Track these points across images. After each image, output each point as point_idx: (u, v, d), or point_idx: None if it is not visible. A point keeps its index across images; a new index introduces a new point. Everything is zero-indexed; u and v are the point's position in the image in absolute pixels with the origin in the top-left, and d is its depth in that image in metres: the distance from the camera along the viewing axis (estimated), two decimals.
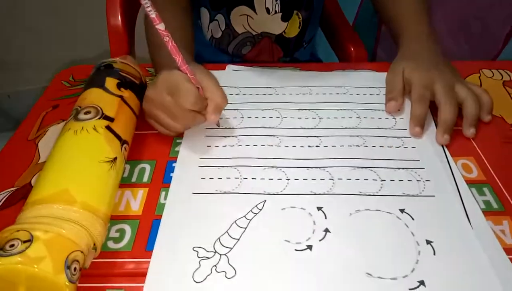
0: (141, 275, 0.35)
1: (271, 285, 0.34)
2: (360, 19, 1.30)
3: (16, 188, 0.43)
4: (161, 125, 0.47)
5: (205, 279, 0.34)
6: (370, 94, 0.56)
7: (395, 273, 0.35)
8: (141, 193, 0.43)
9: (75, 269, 0.31)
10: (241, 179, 0.43)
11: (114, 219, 0.40)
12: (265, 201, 0.41)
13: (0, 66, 1.48)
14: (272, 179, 0.43)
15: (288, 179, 0.43)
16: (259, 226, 0.38)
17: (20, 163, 0.46)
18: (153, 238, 0.38)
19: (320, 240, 0.37)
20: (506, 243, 0.37)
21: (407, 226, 0.39)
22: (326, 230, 0.38)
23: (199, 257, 0.36)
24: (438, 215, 0.40)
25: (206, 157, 0.46)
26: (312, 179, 0.43)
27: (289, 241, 0.37)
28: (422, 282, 0.34)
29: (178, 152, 0.47)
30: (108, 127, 0.41)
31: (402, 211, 0.40)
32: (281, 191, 0.42)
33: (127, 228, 0.39)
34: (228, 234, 0.38)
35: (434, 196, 0.42)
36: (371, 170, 0.44)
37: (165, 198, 0.42)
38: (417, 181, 0.43)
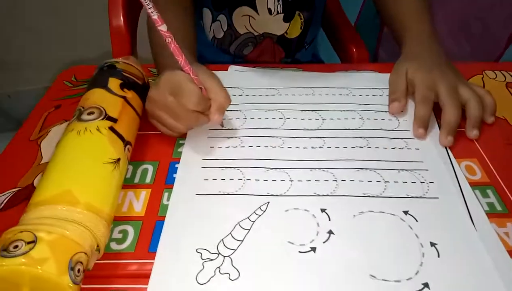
0: (144, 277, 0.35)
1: (275, 287, 0.34)
2: (362, 19, 1.30)
3: (18, 188, 0.43)
4: (164, 125, 0.47)
5: (208, 280, 0.34)
6: (373, 95, 0.56)
7: (399, 275, 0.35)
8: (144, 194, 0.42)
9: (78, 270, 0.31)
10: (244, 180, 0.43)
11: (117, 220, 0.39)
12: (268, 202, 0.41)
13: (0, 66, 1.48)
14: (275, 180, 0.43)
15: (291, 181, 0.43)
16: (263, 228, 0.38)
17: (22, 163, 0.46)
18: (156, 239, 0.38)
19: (324, 242, 0.37)
20: (510, 246, 0.37)
21: (411, 228, 0.38)
22: (330, 232, 0.38)
23: (202, 259, 0.36)
24: (442, 217, 0.40)
25: (209, 158, 0.46)
26: (316, 181, 0.43)
27: (292, 243, 0.37)
28: (426, 285, 0.34)
29: (181, 152, 0.47)
30: (112, 128, 0.41)
31: (406, 212, 0.40)
32: (284, 193, 0.42)
33: (130, 229, 0.39)
34: (232, 236, 0.37)
35: (437, 197, 0.42)
36: (375, 172, 0.44)
37: (168, 199, 0.42)
38: (421, 182, 0.43)
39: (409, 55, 0.56)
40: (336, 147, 0.47)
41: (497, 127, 0.51)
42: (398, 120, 0.51)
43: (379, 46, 1.35)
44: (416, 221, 0.39)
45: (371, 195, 0.42)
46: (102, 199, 0.36)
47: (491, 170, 0.45)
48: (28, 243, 0.30)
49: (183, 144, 0.48)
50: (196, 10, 0.71)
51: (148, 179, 0.44)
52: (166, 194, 0.42)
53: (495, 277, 0.35)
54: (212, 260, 0.36)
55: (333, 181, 0.43)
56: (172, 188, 0.43)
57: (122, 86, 0.46)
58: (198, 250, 0.36)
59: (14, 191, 0.42)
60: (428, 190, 0.42)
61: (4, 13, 1.38)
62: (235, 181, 0.43)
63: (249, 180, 0.43)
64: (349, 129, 0.50)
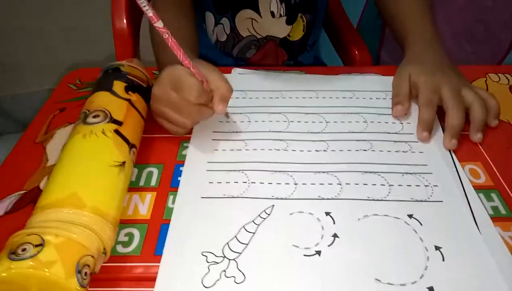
0: (150, 280, 0.35)
1: (280, 290, 0.34)
2: (364, 21, 1.30)
3: (24, 191, 0.43)
4: (170, 122, 0.47)
5: (214, 284, 0.34)
6: (377, 98, 0.56)
7: (404, 279, 0.35)
8: (149, 197, 0.43)
9: (85, 273, 0.31)
10: (249, 183, 0.43)
11: (123, 223, 0.40)
12: (273, 205, 0.41)
13: (3, 69, 1.48)
14: (280, 184, 0.43)
15: (296, 184, 0.43)
16: (268, 231, 0.39)
17: (28, 166, 0.46)
18: (161, 242, 0.38)
19: (328, 245, 0.37)
20: None
21: (415, 232, 0.39)
22: (335, 235, 0.38)
23: (208, 262, 0.36)
24: (446, 220, 0.40)
25: (214, 161, 0.46)
26: (320, 184, 0.43)
27: (297, 246, 0.37)
28: (431, 288, 0.34)
29: (185, 155, 0.47)
30: (117, 131, 0.41)
31: (410, 216, 0.40)
32: (289, 196, 0.42)
33: (136, 232, 0.39)
34: (237, 239, 0.38)
35: (442, 201, 0.42)
36: (379, 175, 0.44)
37: (173, 202, 0.42)
38: (425, 186, 0.43)
39: (412, 59, 0.56)
40: (340, 150, 0.48)
41: (501, 130, 0.51)
42: (401, 123, 0.52)
43: (381, 48, 1.36)
44: (421, 224, 0.39)
45: (375, 199, 0.42)
46: (108, 202, 0.36)
47: (495, 173, 0.45)
48: (36, 246, 0.30)
49: (187, 147, 0.48)
50: (199, 14, 0.72)
51: (153, 182, 0.44)
52: (171, 197, 0.43)
53: (499, 281, 0.35)
54: (217, 263, 0.36)
55: (338, 184, 0.43)
56: (177, 191, 0.43)
57: (126, 89, 0.46)
58: (204, 253, 0.36)
59: (20, 194, 0.43)
60: (432, 193, 0.42)
61: (7, 15, 1.38)
62: (240, 184, 0.43)
63: (254, 183, 0.43)
64: (353, 132, 0.50)
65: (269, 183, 0.43)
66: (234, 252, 0.37)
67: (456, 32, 1.23)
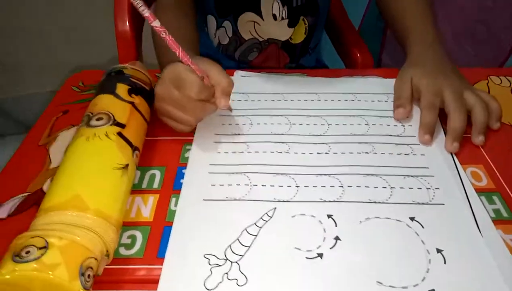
0: (153, 282, 0.35)
1: None
2: (365, 24, 1.30)
3: (28, 193, 0.43)
4: (174, 120, 0.48)
5: (216, 286, 0.34)
6: (378, 101, 0.56)
7: (406, 282, 0.35)
8: (152, 199, 0.43)
9: (89, 276, 0.32)
10: (251, 185, 0.43)
11: (126, 225, 0.40)
12: (275, 208, 0.41)
13: (4, 70, 1.49)
14: (281, 186, 0.43)
15: (297, 186, 0.43)
16: (270, 234, 0.39)
17: (31, 168, 0.46)
18: (164, 244, 0.38)
19: (330, 248, 0.37)
20: None
21: (417, 234, 0.39)
22: (337, 238, 0.38)
23: (210, 265, 0.36)
24: (448, 223, 0.40)
25: (216, 163, 0.46)
26: (322, 186, 0.43)
27: (299, 249, 0.37)
28: None
29: (187, 158, 0.47)
30: (120, 134, 0.41)
31: (412, 219, 0.40)
32: (291, 198, 0.42)
33: (138, 235, 0.39)
34: (239, 241, 0.38)
35: (443, 204, 0.42)
36: (381, 178, 0.44)
37: (175, 205, 0.42)
38: (427, 188, 0.43)
39: (414, 61, 0.56)
40: (342, 153, 0.48)
41: (503, 133, 0.51)
42: (403, 126, 0.52)
43: (383, 50, 1.36)
44: (422, 227, 0.39)
45: (377, 201, 0.42)
46: (111, 204, 0.37)
47: (497, 176, 0.45)
48: (40, 248, 0.30)
49: (190, 149, 0.48)
50: (201, 17, 0.72)
51: (155, 184, 0.44)
52: (173, 199, 0.43)
53: (501, 284, 0.35)
54: (220, 265, 0.36)
55: (339, 186, 0.43)
56: (179, 193, 0.43)
57: (130, 92, 0.46)
58: (206, 256, 0.37)
59: (24, 196, 0.43)
60: (434, 196, 0.42)
61: (8, 16, 1.39)
62: (242, 186, 0.43)
63: (256, 185, 0.43)
64: (354, 135, 0.50)
65: (271, 186, 0.43)
66: (237, 254, 0.37)
67: (457, 33, 1.23)
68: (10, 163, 0.47)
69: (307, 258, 0.37)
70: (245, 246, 0.37)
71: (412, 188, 0.43)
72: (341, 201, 0.42)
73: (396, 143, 0.49)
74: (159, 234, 0.39)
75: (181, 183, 0.44)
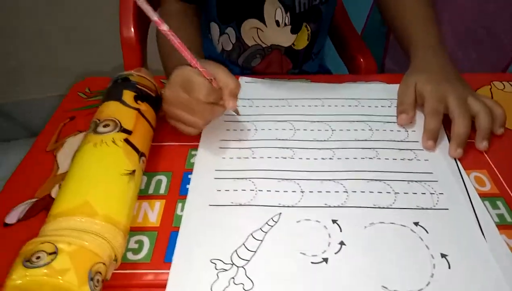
0: (160, 287, 0.36)
1: None
2: (368, 28, 1.31)
3: (36, 199, 0.44)
4: (183, 123, 0.48)
5: None
6: (382, 106, 0.56)
7: (410, 287, 0.35)
8: (158, 205, 0.43)
9: (98, 281, 0.32)
10: (256, 191, 0.44)
11: (133, 230, 0.40)
12: (280, 213, 0.41)
13: (10, 75, 1.50)
14: (286, 191, 0.44)
15: (302, 192, 0.44)
16: (275, 239, 0.39)
17: (39, 174, 0.47)
18: (171, 249, 0.39)
19: (335, 253, 0.38)
20: None
21: (421, 239, 0.39)
22: (342, 243, 0.39)
23: (217, 269, 0.36)
24: (452, 228, 0.40)
25: (222, 169, 0.47)
26: (327, 192, 0.44)
27: (305, 254, 0.38)
28: None
29: (193, 163, 0.48)
30: (127, 140, 0.42)
31: (416, 224, 0.40)
32: (296, 204, 0.42)
33: (146, 240, 0.40)
34: (245, 246, 0.38)
35: (447, 209, 0.42)
36: (385, 183, 0.45)
37: (182, 210, 0.42)
38: (431, 194, 0.44)
39: (418, 67, 0.56)
40: (346, 158, 0.48)
41: (507, 138, 0.51)
42: (407, 131, 0.52)
43: (386, 55, 1.36)
44: (427, 232, 0.40)
45: (381, 206, 0.42)
46: (119, 210, 0.37)
47: (501, 181, 0.45)
48: (50, 254, 0.31)
49: (195, 155, 0.49)
50: (204, 23, 0.73)
51: (162, 190, 0.45)
52: (180, 205, 0.43)
53: (505, 288, 0.35)
54: (226, 270, 0.36)
55: (344, 192, 0.44)
56: (185, 199, 0.44)
57: (136, 99, 0.47)
58: (213, 261, 0.37)
59: (32, 202, 0.43)
60: (438, 201, 0.43)
61: (16, 23, 1.40)
62: (247, 191, 0.44)
63: (261, 190, 0.44)
64: (358, 140, 0.51)
65: (276, 191, 0.44)
66: (243, 259, 0.37)
67: (460, 37, 1.24)
68: (19, 169, 0.48)
69: (312, 262, 0.37)
70: (251, 251, 0.38)
71: (416, 193, 0.44)
72: (346, 206, 0.42)
73: (399, 149, 0.49)
74: (166, 238, 0.40)
75: (187, 188, 0.45)
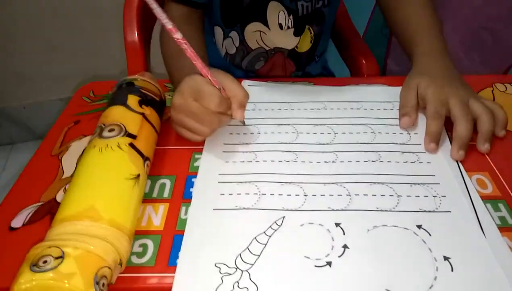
0: (164, 290, 0.36)
1: None
2: (370, 30, 1.31)
3: (41, 203, 0.44)
4: (189, 130, 0.49)
5: None
6: (384, 109, 0.57)
7: (413, 289, 0.35)
8: (162, 208, 0.44)
9: (103, 284, 0.33)
10: (259, 195, 0.44)
11: (137, 234, 0.41)
12: (284, 217, 0.42)
13: (15, 79, 1.51)
14: (290, 195, 0.44)
15: (305, 195, 0.44)
16: (279, 242, 0.39)
17: (44, 178, 0.47)
18: (175, 253, 0.39)
19: (339, 256, 0.38)
20: None
21: (424, 242, 0.39)
22: (345, 246, 0.39)
23: (221, 273, 0.37)
24: (455, 231, 0.40)
25: (225, 173, 0.47)
26: (330, 195, 0.44)
27: (308, 257, 0.38)
28: None
29: (197, 167, 0.48)
30: (132, 145, 0.42)
31: (419, 227, 0.41)
32: (299, 207, 0.43)
33: (150, 243, 0.40)
34: (249, 250, 0.38)
35: (450, 211, 0.42)
36: (388, 186, 0.45)
37: (186, 213, 0.43)
38: (433, 196, 0.44)
39: (420, 70, 0.57)
40: (348, 161, 0.48)
41: (508, 140, 0.51)
42: (409, 134, 0.52)
43: (388, 56, 1.36)
44: (429, 235, 0.40)
45: (384, 209, 0.42)
46: (124, 214, 0.38)
47: (503, 183, 0.45)
48: (56, 258, 0.31)
49: (199, 158, 0.49)
50: (207, 27, 0.73)
51: (166, 193, 0.45)
52: (183, 208, 0.44)
53: (508, 290, 0.35)
54: (230, 274, 0.37)
55: (347, 195, 0.44)
56: (189, 202, 0.44)
57: (140, 103, 0.47)
58: (217, 265, 0.37)
59: (37, 206, 0.44)
60: (440, 203, 0.43)
61: (19, 26, 1.41)
62: (251, 195, 0.44)
63: (264, 194, 0.44)
64: (361, 143, 0.51)
65: (279, 194, 0.44)
66: (247, 263, 0.37)
67: (462, 39, 1.24)
68: (24, 173, 0.48)
69: (316, 266, 0.37)
70: (254, 254, 0.38)
71: (418, 196, 0.44)
72: (349, 209, 0.42)
73: (402, 152, 0.50)
74: (169, 242, 0.40)
75: (191, 192, 0.45)
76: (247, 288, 0.36)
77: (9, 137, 1.60)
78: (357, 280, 0.36)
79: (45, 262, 0.31)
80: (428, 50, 0.59)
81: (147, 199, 0.44)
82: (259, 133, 0.53)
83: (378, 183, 0.45)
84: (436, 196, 0.44)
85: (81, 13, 1.40)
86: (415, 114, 0.53)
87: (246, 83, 0.63)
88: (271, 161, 0.49)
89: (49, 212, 0.43)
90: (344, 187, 0.45)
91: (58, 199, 0.44)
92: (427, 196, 0.44)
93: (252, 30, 0.69)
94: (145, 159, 0.43)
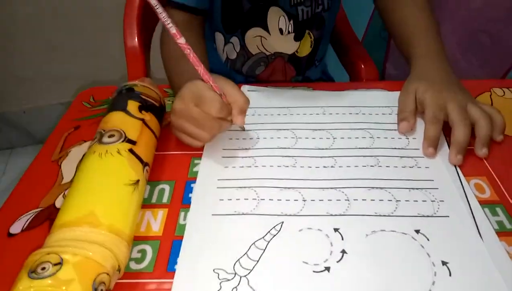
0: None
1: None
2: (369, 34, 1.31)
3: (40, 208, 0.44)
4: (189, 135, 0.49)
5: None
6: (383, 114, 0.57)
7: None
8: (161, 214, 0.44)
9: None
10: (258, 200, 0.44)
11: (136, 239, 0.41)
12: (282, 222, 0.42)
13: (15, 79, 1.51)
14: (288, 200, 0.44)
15: (304, 200, 0.44)
16: (277, 248, 0.39)
17: (44, 183, 0.47)
18: (173, 258, 0.39)
19: (337, 261, 0.38)
20: None
21: (422, 247, 0.39)
22: (343, 251, 0.39)
23: (220, 279, 0.37)
24: (453, 235, 0.40)
25: (224, 178, 0.47)
26: (328, 200, 0.44)
27: (307, 263, 0.38)
28: None
29: (196, 172, 0.48)
30: (131, 151, 0.43)
31: (417, 231, 0.41)
32: (297, 212, 0.43)
33: (148, 249, 0.40)
34: (247, 256, 0.39)
35: (448, 216, 0.42)
36: (386, 191, 0.45)
37: (184, 219, 0.43)
38: (431, 201, 0.44)
39: (419, 75, 0.57)
40: (347, 166, 0.48)
41: (506, 145, 0.51)
42: (407, 139, 0.52)
43: (387, 60, 1.37)
44: (428, 239, 0.40)
45: (382, 214, 0.43)
46: (123, 220, 0.38)
47: (500, 188, 0.46)
48: (55, 265, 0.31)
49: (198, 164, 0.49)
50: (208, 33, 0.73)
51: (165, 199, 0.45)
52: (182, 214, 0.44)
53: None
54: (229, 280, 0.37)
55: (345, 200, 0.44)
56: (188, 207, 0.44)
57: (140, 109, 0.47)
58: (216, 270, 0.37)
59: (36, 211, 0.44)
60: (438, 208, 0.43)
61: (19, 29, 1.41)
62: (250, 200, 0.44)
63: (263, 199, 0.44)
64: (359, 148, 0.51)
65: (278, 200, 0.44)
66: (245, 268, 0.38)
67: (462, 42, 1.24)
68: (23, 179, 0.49)
69: (314, 271, 0.37)
70: (253, 260, 0.38)
71: (417, 201, 0.44)
72: (347, 214, 0.43)
73: (400, 156, 0.50)
74: (168, 248, 0.40)
75: (190, 197, 0.45)
76: None
77: (9, 142, 1.60)
78: (355, 285, 0.36)
79: (43, 268, 0.31)
80: (425, 52, 0.59)
81: (146, 204, 0.45)
82: (258, 138, 0.53)
83: (377, 187, 0.45)
84: (434, 201, 0.44)
85: (81, 13, 1.41)
86: (413, 119, 0.53)
87: (245, 88, 0.63)
88: (270, 166, 0.49)
89: (48, 217, 0.43)
90: (343, 192, 0.45)
91: (57, 204, 0.45)
92: (425, 201, 0.44)
93: (252, 36, 0.70)
94: (144, 164, 0.43)
